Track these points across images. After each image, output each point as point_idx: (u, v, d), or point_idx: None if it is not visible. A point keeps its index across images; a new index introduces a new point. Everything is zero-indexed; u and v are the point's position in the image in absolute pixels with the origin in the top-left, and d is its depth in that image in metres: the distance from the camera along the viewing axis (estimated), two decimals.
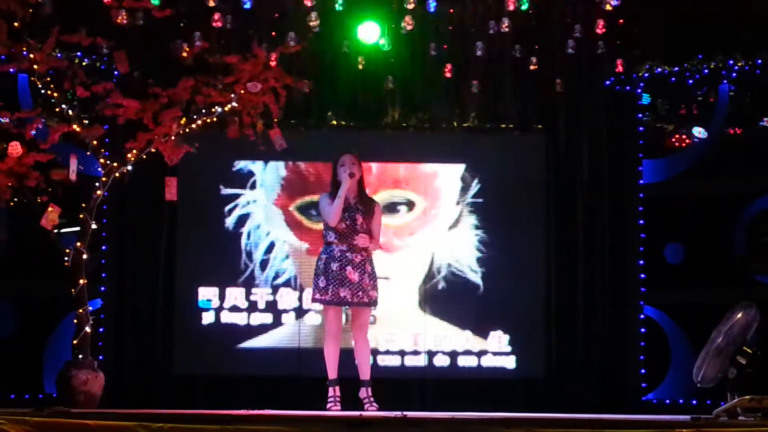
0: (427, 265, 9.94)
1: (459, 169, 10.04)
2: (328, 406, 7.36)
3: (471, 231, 10.00)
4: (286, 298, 9.82)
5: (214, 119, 8.33)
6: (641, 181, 9.95)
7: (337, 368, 7.47)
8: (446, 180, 10.02)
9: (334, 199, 7.41)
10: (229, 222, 9.86)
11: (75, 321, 7.98)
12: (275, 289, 9.83)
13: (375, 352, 9.62)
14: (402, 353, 9.84)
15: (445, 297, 9.90)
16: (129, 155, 8.16)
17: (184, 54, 8.59)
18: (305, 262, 9.73)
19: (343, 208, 7.40)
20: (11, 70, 8.39)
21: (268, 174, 9.91)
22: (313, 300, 7.54)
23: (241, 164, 9.84)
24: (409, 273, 9.89)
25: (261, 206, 9.92)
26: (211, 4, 9.23)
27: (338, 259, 7.39)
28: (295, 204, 9.92)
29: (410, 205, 10.00)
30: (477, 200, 10.01)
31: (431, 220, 10.00)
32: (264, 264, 9.84)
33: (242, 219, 9.89)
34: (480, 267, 9.93)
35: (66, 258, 7.98)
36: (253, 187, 9.92)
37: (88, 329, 7.92)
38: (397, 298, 9.81)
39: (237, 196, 9.91)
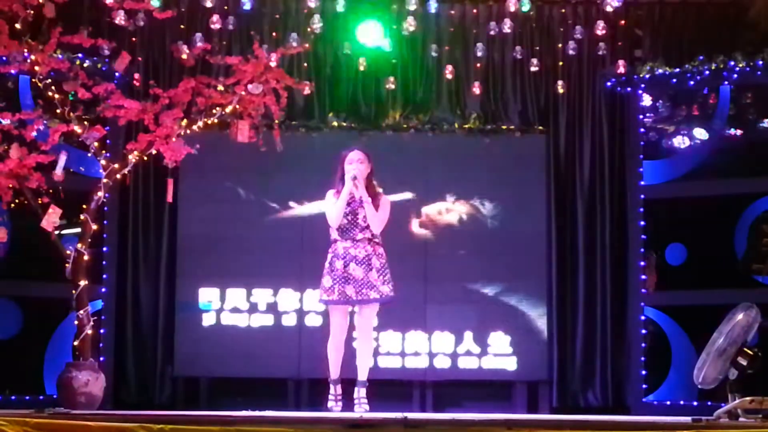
0: (426, 267, 9.93)
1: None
2: (328, 404, 7.27)
3: (471, 232, 9.99)
4: (287, 300, 9.82)
5: (215, 120, 8.33)
6: (642, 183, 9.93)
7: (340, 367, 7.31)
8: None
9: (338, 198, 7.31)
10: (229, 223, 9.86)
11: (76, 322, 7.98)
12: (276, 290, 9.83)
13: (376, 354, 9.62)
14: (403, 354, 9.84)
15: (446, 298, 9.89)
16: (130, 156, 8.16)
17: (185, 55, 8.59)
18: (307, 263, 9.73)
19: (347, 202, 7.30)
20: (12, 71, 8.38)
21: (270, 176, 9.89)
22: (320, 300, 7.45)
23: (241, 165, 9.82)
24: (410, 275, 9.87)
25: (261, 208, 9.93)
26: (209, 4, 9.22)
27: (342, 256, 7.26)
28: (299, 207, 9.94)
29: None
30: (477, 201, 10.01)
31: (431, 223, 10.01)
32: (265, 265, 9.84)
33: (242, 221, 9.89)
34: (480, 268, 9.92)
35: (67, 259, 7.97)
36: (253, 187, 9.93)
37: (89, 330, 7.92)
38: (398, 300, 9.79)
39: (237, 196, 9.91)
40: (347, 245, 7.29)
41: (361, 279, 7.23)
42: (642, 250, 9.86)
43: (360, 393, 7.27)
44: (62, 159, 7.93)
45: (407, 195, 9.83)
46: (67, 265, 7.94)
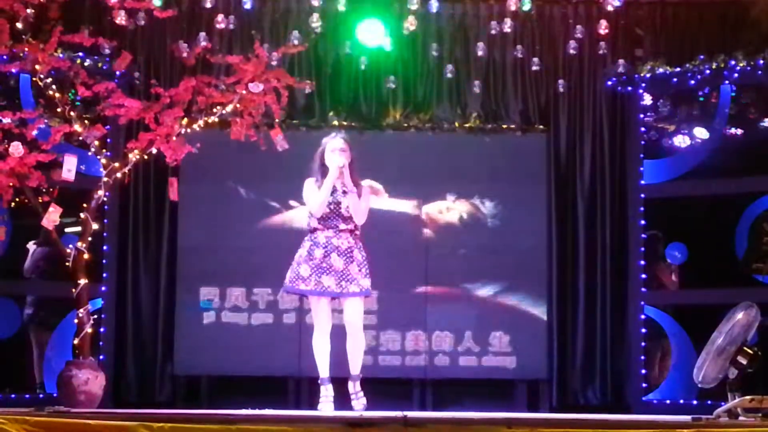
0: (426, 266, 9.93)
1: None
2: (319, 406, 7.13)
3: (472, 231, 9.99)
4: (287, 298, 9.80)
5: (216, 119, 8.33)
6: (643, 182, 9.92)
7: (329, 365, 7.14)
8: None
9: (319, 187, 7.15)
10: (230, 222, 9.86)
11: (76, 321, 7.99)
12: (276, 289, 9.82)
13: (375, 352, 9.63)
14: (402, 353, 9.84)
15: (446, 297, 9.89)
16: (130, 155, 8.16)
17: (186, 54, 8.60)
18: None
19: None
20: (13, 70, 8.39)
21: (271, 175, 9.87)
22: (288, 289, 7.20)
23: (241, 164, 9.80)
24: (410, 273, 9.87)
25: (262, 207, 9.92)
26: (208, 5, 9.23)
27: (323, 245, 7.08)
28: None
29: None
30: (478, 200, 10.01)
31: (431, 222, 10.01)
32: (266, 264, 9.84)
33: (242, 219, 9.89)
34: (480, 267, 9.92)
35: (67, 258, 7.98)
36: (254, 186, 9.93)
37: (89, 329, 7.93)
38: (398, 298, 9.81)
39: (238, 195, 9.91)
40: (329, 234, 7.10)
41: (340, 271, 7.04)
42: (642, 249, 9.85)
43: (356, 387, 7.13)
44: (73, 162, 7.94)
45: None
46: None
